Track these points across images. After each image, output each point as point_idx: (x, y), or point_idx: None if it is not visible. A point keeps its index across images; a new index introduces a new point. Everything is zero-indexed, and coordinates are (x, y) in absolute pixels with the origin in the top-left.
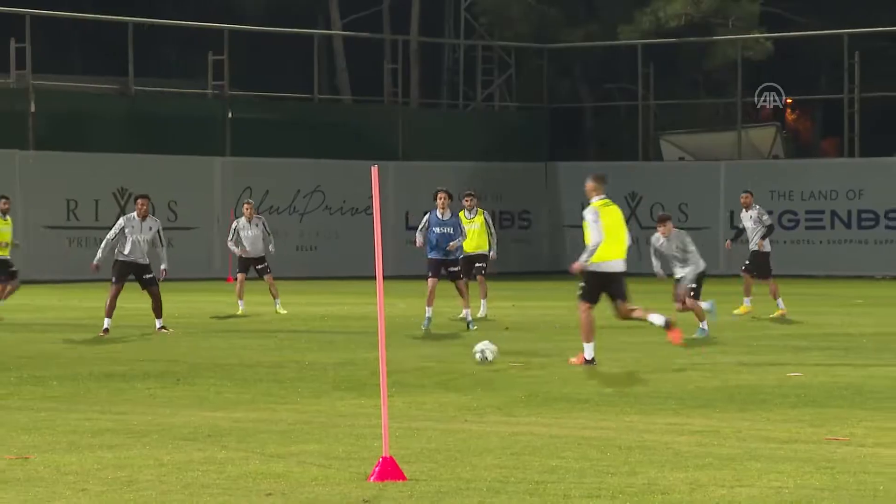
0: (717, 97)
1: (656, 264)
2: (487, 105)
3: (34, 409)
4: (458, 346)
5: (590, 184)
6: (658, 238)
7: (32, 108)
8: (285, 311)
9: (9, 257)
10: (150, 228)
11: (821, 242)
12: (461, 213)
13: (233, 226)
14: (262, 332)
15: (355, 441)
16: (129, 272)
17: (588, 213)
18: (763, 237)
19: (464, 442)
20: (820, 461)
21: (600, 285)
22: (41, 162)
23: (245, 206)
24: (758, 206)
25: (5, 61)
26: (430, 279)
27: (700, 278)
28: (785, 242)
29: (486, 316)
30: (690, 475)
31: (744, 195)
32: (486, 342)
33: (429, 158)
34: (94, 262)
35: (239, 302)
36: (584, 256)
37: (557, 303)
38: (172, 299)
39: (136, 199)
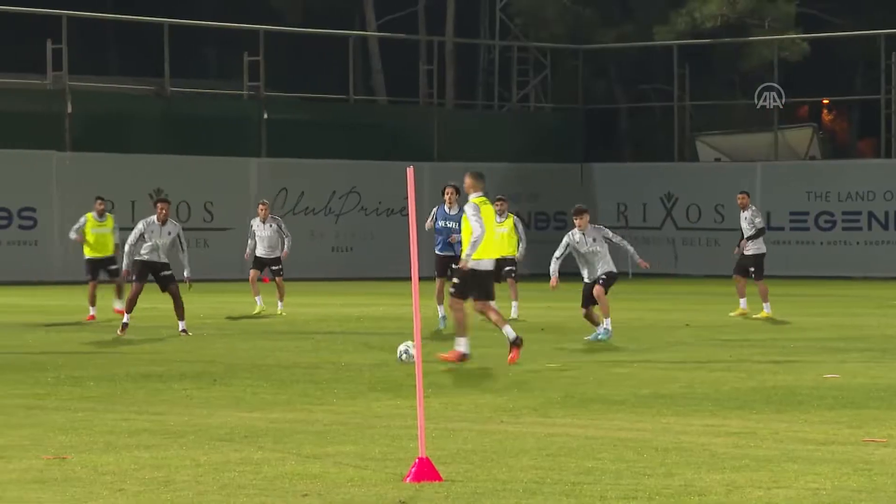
0: (753, 98)
1: (555, 268)
2: (523, 106)
3: (71, 409)
4: (494, 348)
5: (469, 180)
6: (574, 233)
7: (69, 110)
8: (285, 314)
9: (112, 255)
10: (170, 233)
11: (858, 243)
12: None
13: (250, 225)
14: (298, 334)
15: (391, 442)
16: (148, 271)
17: (469, 208)
18: (748, 238)
19: (500, 443)
20: (858, 463)
21: (474, 283)
22: (77, 163)
23: (260, 206)
24: (752, 208)
25: (42, 62)
26: (437, 279)
27: (611, 281)
28: (822, 244)
29: (517, 317)
30: (727, 477)
31: (740, 196)
32: (409, 342)
33: (464, 159)
34: (124, 268)
35: (256, 299)
36: (469, 251)
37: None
38: (209, 300)
39: (155, 202)
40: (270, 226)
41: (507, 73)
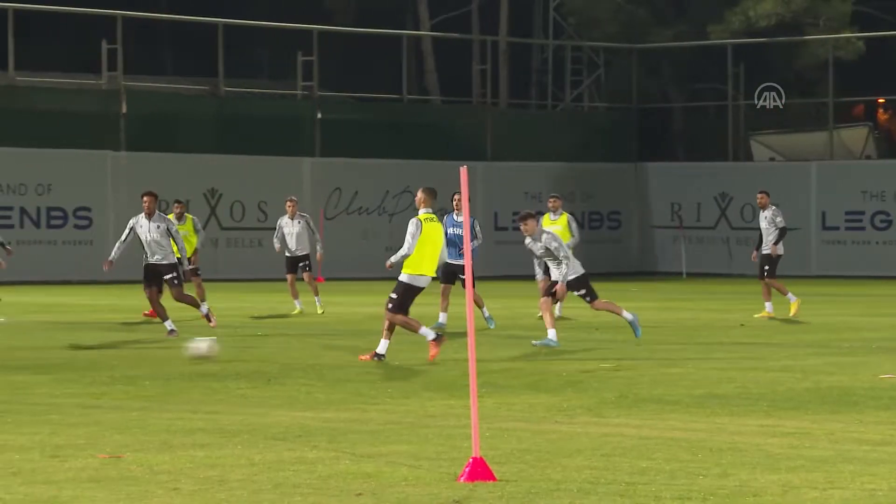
0: (808, 97)
1: (539, 270)
2: (576, 105)
3: (127, 408)
4: (548, 348)
5: (421, 195)
6: (526, 239)
7: (124, 110)
8: (324, 311)
9: (189, 256)
10: (158, 227)
11: None
12: (546, 216)
13: (278, 223)
14: (351, 333)
15: (445, 441)
16: (152, 274)
17: (411, 224)
18: (776, 242)
19: (554, 443)
20: None
21: (411, 298)
22: (132, 163)
23: (288, 203)
24: (773, 207)
25: (97, 63)
26: (442, 285)
27: (583, 283)
28: (877, 243)
29: (561, 315)
30: (782, 477)
31: (759, 195)
32: (206, 340)
33: (517, 159)
34: (109, 258)
35: (296, 302)
36: (393, 259)
37: (647, 304)
38: (263, 299)
39: (141, 196)
40: (298, 223)
41: (561, 73)
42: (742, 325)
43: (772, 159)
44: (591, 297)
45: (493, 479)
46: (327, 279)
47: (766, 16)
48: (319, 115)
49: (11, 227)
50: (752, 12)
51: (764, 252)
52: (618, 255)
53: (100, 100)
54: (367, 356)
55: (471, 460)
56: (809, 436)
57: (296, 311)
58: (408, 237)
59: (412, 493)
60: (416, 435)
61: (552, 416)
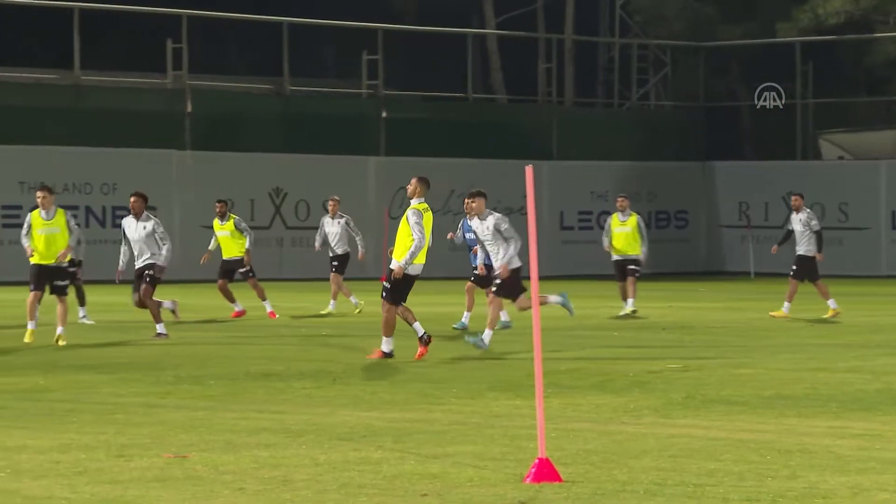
0: (878, 95)
1: (480, 256)
2: (642, 104)
3: (192, 407)
4: (615, 348)
5: (416, 185)
6: (473, 220)
7: (189, 109)
8: (362, 309)
9: (238, 257)
10: (145, 228)
11: None
12: (615, 216)
13: (320, 221)
14: (415, 333)
15: (510, 442)
16: (137, 275)
17: (412, 215)
18: (820, 249)
19: (620, 444)
20: None
21: (408, 287)
22: (197, 162)
23: (330, 202)
24: (807, 210)
25: (162, 62)
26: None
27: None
28: None
29: (632, 312)
30: (852, 479)
31: (794, 197)
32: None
33: (583, 158)
34: (119, 267)
35: (352, 300)
36: (406, 258)
37: (715, 304)
38: (327, 299)
39: (130, 196)
40: (338, 223)
41: (627, 71)
42: (811, 324)
43: (840, 158)
44: (505, 293)
45: (559, 480)
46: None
47: (836, 13)
48: (384, 114)
49: (77, 226)
50: (821, 10)
51: (803, 254)
52: (685, 254)
53: (165, 99)
54: (374, 354)
55: (537, 461)
56: (880, 437)
57: (356, 310)
58: (415, 228)
59: (478, 493)
60: (482, 435)
61: (619, 416)
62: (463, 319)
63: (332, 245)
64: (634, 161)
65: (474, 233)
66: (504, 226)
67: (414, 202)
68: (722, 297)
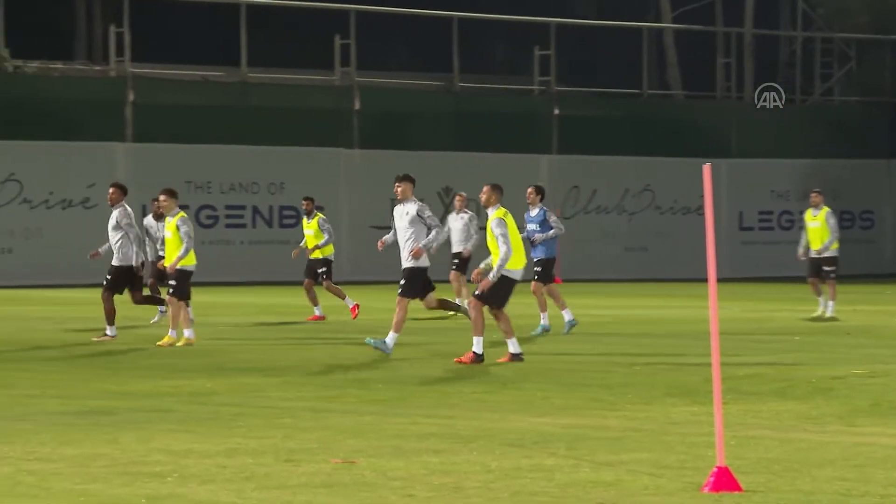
0: None
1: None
2: (826, 100)
3: (359, 412)
4: (796, 353)
5: (489, 194)
6: (397, 206)
7: (357, 106)
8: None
9: (320, 257)
10: (115, 218)
11: None
12: (808, 211)
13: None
14: (589, 336)
15: (688, 450)
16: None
17: (497, 227)
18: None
19: (802, 452)
20: None
21: (509, 291)
22: (365, 160)
23: (457, 197)
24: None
25: (329, 58)
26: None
27: (416, 274)
28: None
29: (833, 316)
30: None
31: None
32: None
33: (763, 156)
34: (135, 263)
35: (456, 300)
36: (494, 272)
37: None
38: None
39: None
40: (461, 218)
41: (810, 66)
42: None
43: None
44: (411, 293)
45: (739, 489)
46: (565, 280)
47: None
48: (557, 111)
49: (243, 226)
50: None
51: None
52: (871, 256)
53: (332, 96)
54: (502, 359)
55: (715, 469)
56: None
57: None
58: (500, 240)
59: (654, 502)
60: (658, 442)
61: (801, 424)
62: (542, 322)
63: (454, 241)
64: (817, 159)
65: (537, 224)
66: (427, 212)
67: (491, 211)
68: None
